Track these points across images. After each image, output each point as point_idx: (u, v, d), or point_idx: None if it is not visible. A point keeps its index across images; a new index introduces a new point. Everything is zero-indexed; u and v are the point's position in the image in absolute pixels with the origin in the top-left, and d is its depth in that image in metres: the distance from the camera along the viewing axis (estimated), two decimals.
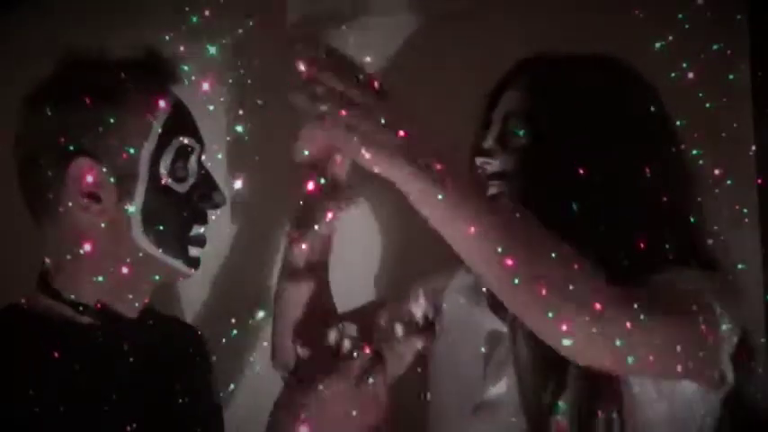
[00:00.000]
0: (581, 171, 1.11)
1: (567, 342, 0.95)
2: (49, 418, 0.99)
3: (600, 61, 1.22)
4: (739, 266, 1.47)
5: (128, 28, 1.48)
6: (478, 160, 1.22)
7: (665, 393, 1.09)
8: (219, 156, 1.32)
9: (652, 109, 1.20)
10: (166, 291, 1.20)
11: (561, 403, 1.10)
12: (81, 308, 1.09)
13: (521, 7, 1.56)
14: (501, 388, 1.17)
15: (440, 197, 0.90)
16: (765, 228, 1.56)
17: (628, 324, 0.96)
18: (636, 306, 0.97)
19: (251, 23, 1.50)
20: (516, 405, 1.15)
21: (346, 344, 0.97)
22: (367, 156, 0.89)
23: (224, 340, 1.23)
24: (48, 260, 1.12)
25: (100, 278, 1.10)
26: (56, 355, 1.03)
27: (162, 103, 1.10)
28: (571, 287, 0.94)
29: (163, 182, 1.10)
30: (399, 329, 1.02)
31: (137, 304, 1.15)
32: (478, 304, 1.25)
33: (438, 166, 0.91)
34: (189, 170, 1.12)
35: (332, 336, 0.98)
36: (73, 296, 1.10)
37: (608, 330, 0.95)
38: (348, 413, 0.96)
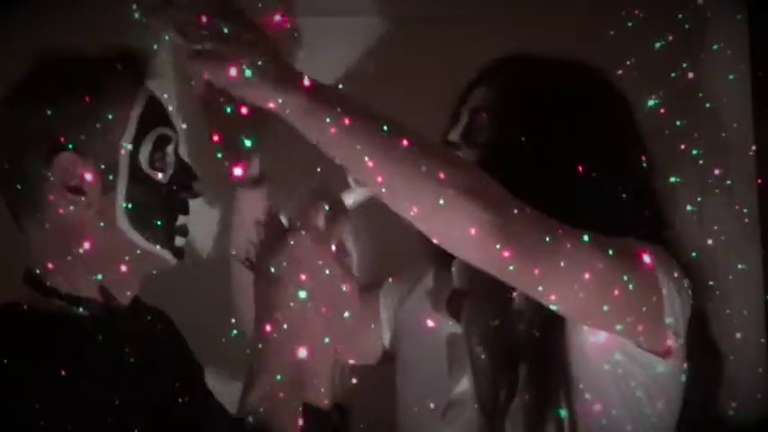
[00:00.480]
0: (542, 170, 1.12)
1: (554, 307, 1.03)
2: (50, 412, 0.99)
3: (571, 65, 1.23)
4: (739, 266, 1.47)
5: (127, 28, 1.48)
6: None
7: (620, 387, 1.10)
8: (219, 155, 1.32)
9: (617, 114, 1.21)
10: (159, 284, 1.20)
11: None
12: (77, 302, 1.10)
13: (520, 8, 1.56)
14: (464, 386, 1.18)
15: (327, 119, 0.96)
16: (765, 228, 1.56)
17: (615, 291, 1.02)
18: (624, 277, 1.03)
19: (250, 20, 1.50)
20: (475, 403, 1.17)
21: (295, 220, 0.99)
22: (231, 82, 0.96)
23: (223, 340, 1.23)
24: (36, 258, 1.12)
25: (93, 272, 1.11)
26: (55, 349, 1.03)
27: (138, 96, 1.12)
28: (562, 264, 0.99)
29: (144, 173, 1.11)
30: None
31: (128, 294, 1.16)
32: (438, 308, 1.27)
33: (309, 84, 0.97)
34: (167, 160, 1.14)
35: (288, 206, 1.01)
36: (66, 290, 1.10)
37: (595, 297, 1.02)
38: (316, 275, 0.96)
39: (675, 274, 1.11)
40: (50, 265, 1.10)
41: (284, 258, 0.97)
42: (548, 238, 1.00)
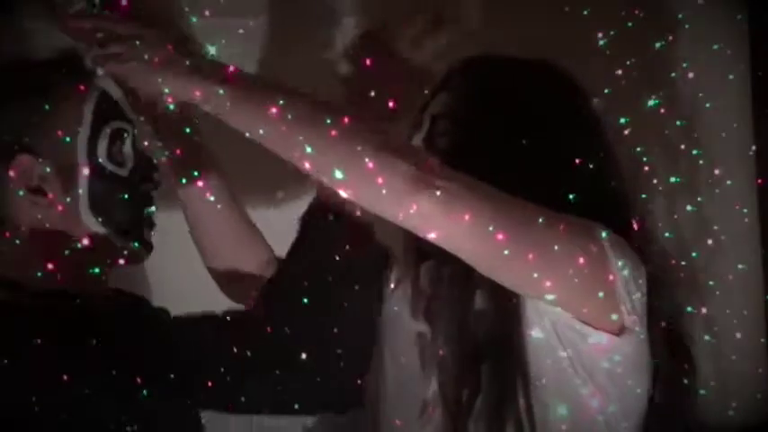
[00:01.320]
0: (503, 172, 1.12)
1: (550, 297, 1.03)
2: (28, 407, 1.00)
3: (530, 64, 1.22)
4: (739, 266, 1.47)
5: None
6: None
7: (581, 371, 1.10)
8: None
9: (581, 115, 1.20)
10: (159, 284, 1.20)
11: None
12: (49, 295, 1.10)
13: (518, 9, 1.56)
14: (434, 387, 1.19)
15: (220, 92, 1.00)
16: (765, 228, 1.56)
17: (611, 277, 1.03)
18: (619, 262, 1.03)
19: (251, 23, 1.50)
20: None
21: None
22: (135, 76, 1.05)
23: None
24: (5, 260, 1.11)
25: (61, 266, 1.10)
26: (25, 343, 1.03)
27: (85, 93, 1.13)
28: (556, 247, 1.00)
29: (102, 167, 1.12)
30: None
31: (101, 287, 1.16)
32: (414, 312, 1.27)
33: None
34: (125, 154, 1.15)
35: None
36: (36, 288, 1.10)
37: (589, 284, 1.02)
38: None
39: (628, 251, 1.09)
40: (19, 268, 1.10)
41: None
42: (541, 220, 1.00)
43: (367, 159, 0.98)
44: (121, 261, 1.16)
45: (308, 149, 1.00)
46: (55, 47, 1.15)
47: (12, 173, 1.09)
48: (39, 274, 1.10)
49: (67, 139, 1.10)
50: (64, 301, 1.10)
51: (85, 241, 1.11)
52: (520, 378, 1.11)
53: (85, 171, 1.11)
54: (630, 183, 1.20)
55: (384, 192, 0.99)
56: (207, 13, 1.46)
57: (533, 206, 1.03)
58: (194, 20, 1.46)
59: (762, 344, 1.52)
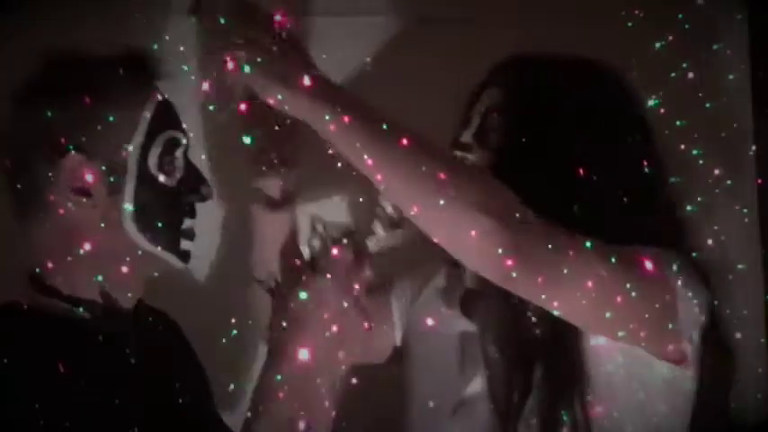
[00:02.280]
0: (555, 171, 1.12)
1: (557, 313, 1.04)
2: (49, 414, 0.99)
3: (581, 63, 1.22)
4: (739, 266, 1.47)
5: (127, 28, 1.48)
6: (456, 153, 1.23)
7: (633, 387, 1.10)
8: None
9: (629, 110, 1.20)
10: (159, 285, 1.20)
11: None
12: (78, 303, 1.10)
13: (518, 9, 1.56)
14: (476, 386, 1.18)
15: (327, 117, 0.99)
16: (765, 228, 1.56)
17: (618, 299, 1.02)
18: (627, 284, 1.03)
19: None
20: (488, 403, 1.16)
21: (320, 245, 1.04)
22: (256, 84, 1.02)
23: (224, 340, 1.23)
24: (38, 259, 1.12)
25: (96, 273, 1.10)
26: (55, 351, 1.03)
27: (149, 98, 1.11)
28: (565, 272, 1.00)
29: (152, 176, 1.11)
30: (378, 226, 1.08)
31: (131, 296, 1.15)
32: (450, 307, 1.26)
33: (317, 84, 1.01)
34: (176, 164, 1.14)
35: (312, 241, 1.05)
36: (68, 291, 1.10)
37: (597, 304, 1.02)
38: (331, 318, 1.01)
39: (687, 279, 1.09)
40: (53, 266, 1.10)
41: (306, 300, 1.01)
42: (551, 246, 1.00)
43: (443, 204, 0.98)
44: (154, 270, 1.16)
45: (370, 161, 0.99)
46: (120, 48, 1.14)
47: (58, 170, 1.08)
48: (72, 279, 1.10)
49: (121, 144, 1.09)
50: (93, 309, 1.10)
51: (123, 248, 1.11)
52: (576, 380, 1.10)
53: (133, 177, 1.10)
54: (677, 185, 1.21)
55: (448, 228, 1.00)
56: None
57: (551, 229, 1.02)
58: (194, 20, 1.45)
59: (762, 344, 1.52)
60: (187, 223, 1.15)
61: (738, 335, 1.41)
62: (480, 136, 1.22)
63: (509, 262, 0.97)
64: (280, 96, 1.01)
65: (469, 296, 1.24)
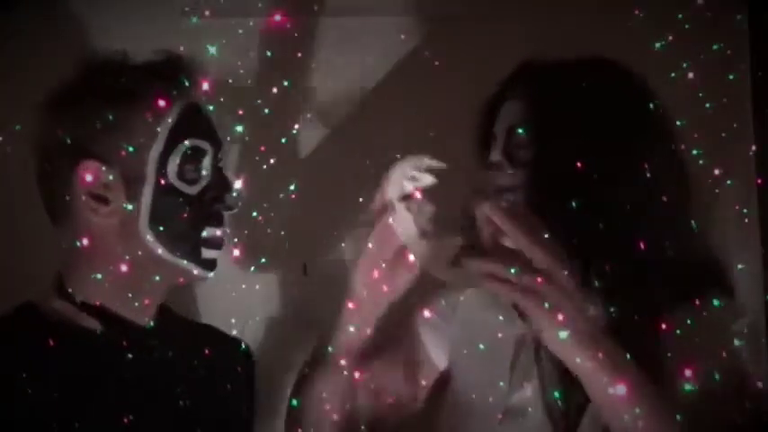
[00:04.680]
0: (594, 183, 1.09)
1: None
2: (49, 418, 0.99)
3: (595, 64, 1.21)
4: (739, 266, 1.47)
5: (128, 28, 1.48)
6: (491, 175, 1.21)
7: None
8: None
9: (651, 109, 1.19)
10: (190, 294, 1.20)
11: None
12: (91, 311, 1.09)
13: (518, 10, 1.56)
14: (526, 393, 1.16)
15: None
16: (765, 228, 1.56)
17: None
18: None
19: (251, 23, 1.50)
20: (542, 411, 1.14)
21: None
22: (568, 341, 0.94)
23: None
24: (63, 262, 1.13)
25: (110, 281, 1.10)
26: (58, 356, 1.03)
27: (168, 106, 1.11)
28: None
29: (171, 184, 1.10)
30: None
31: (147, 304, 1.15)
32: (498, 311, 1.24)
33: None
34: (200, 172, 1.12)
35: None
36: (83, 297, 1.10)
37: None
38: None
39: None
40: (72, 271, 1.10)
41: None
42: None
43: None
44: (180, 279, 1.15)
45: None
46: (144, 54, 1.14)
47: (76, 175, 1.08)
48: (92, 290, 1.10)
49: (138, 151, 1.09)
50: (108, 318, 1.10)
51: (140, 256, 1.10)
52: None
53: (151, 185, 1.09)
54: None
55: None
56: (207, 13, 1.46)
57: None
58: (194, 20, 1.46)
59: (762, 344, 1.52)
60: (212, 231, 1.14)
61: None
62: (509, 153, 1.20)
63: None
64: (578, 360, 0.96)
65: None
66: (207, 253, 1.14)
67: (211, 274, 1.16)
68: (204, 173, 1.13)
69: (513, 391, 1.17)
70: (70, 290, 1.10)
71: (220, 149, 1.16)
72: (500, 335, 1.22)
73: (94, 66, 1.13)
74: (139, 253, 1.10)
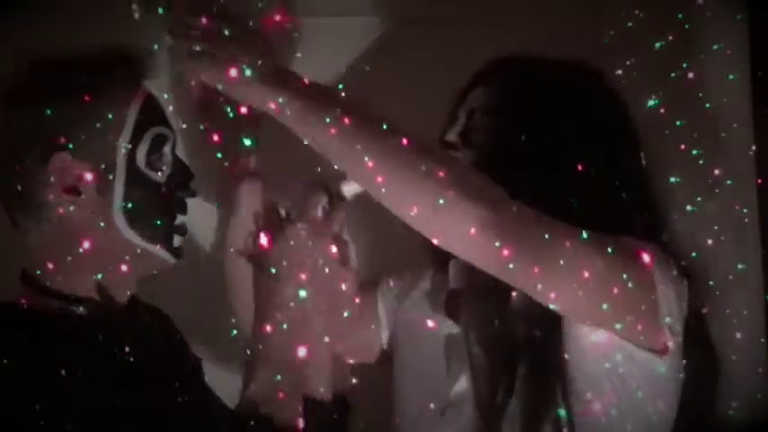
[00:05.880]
0: (540, 169, 1.12)
1: (554, 306, 1.04)
2: (48, 411, 0.99)
3: (568, 65, 1.23)
4: (739, 266, 1.47)
5: (127, 28, 1.48)
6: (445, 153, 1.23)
7: (619, 387, 1.10)
8: (219, 155, 1.33)
9: (615, 113, 1.21)
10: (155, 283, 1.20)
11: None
12: (73, 301, 1.10)
13: (519, 8, 1.56)
14: (462, 386, 1.18)
15: (327, 120, 0.98)
16: (765, 228, 1.56)
17: (615, 290, 1.03)
18: (624, 275, 1.03)
19: (251, 23, 1.50)
20: (472, 403, 1.17)
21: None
22: (230, 82, 1.00)
23: (223, 340, 1.23)
24: (34, 258, 1.12)
25: (90, 271, 1.11)
26: (53, 349, 1.03)
27: (131, 96, 1.12)
28: (562, 262, 1.00)
29: (141, 172, 1.12)
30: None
31: (126, 293, 1.16)
32: (436, 309, 1.27)
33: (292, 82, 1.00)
34: (165, 160, 1.14)
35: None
36: (64, 290, 1.10)
37: (594, 296, 1.03)
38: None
39: (673, 272, 1.11)
40: (49, 265, 1.11)
41: (283, 254, 0.97)
42: (547, 236, 1.01)
43: (439, 197, 0.98)
44: (151, 267, 1.17)
45: (371, 163, 0.99)
46: (103, 47, 1.14)
47: (49, 169, 1.09)
48: (68, 278, 1.10)
49: (108, 142, 1.10)
50: (89, 307, 1.11)
51: (116, 245, 1.11)
52: (559, 379, 1.10)
53: (123, 175, 1.10)
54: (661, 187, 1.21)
55: (447, 227, 0.99)
56: None
57: (547, 220, 1.03)
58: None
59: (762, 344, 1.52)
60: (179, 219, 1.16)
61: (738, 335, 1.42)
62: (465, 135, 1.23)
63: (506, 252, 0.98)
64: (281, 100, 1.00)
65: (453, 298, 1.24)
66: (177, 240, 1.16)
67: (177, 262, 1.18)
68: (167, 161, 1.14)
69: (451, 386, 1.19)
70: (48, 283, 1.10)
71: (176, 138, 1.18)
72: (435, 332, 1.25)
73: (52, 60, 1.13)
74: (115, 242, 1.11)
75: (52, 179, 1.09)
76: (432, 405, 1.21)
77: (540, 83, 1.21)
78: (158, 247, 1.14)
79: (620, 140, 1.20)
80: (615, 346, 1.09)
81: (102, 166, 1.10)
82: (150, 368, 1.11)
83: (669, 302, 1.09)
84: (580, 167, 1.12)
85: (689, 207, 1.38)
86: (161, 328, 1.26)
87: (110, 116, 1.10)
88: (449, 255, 1.06)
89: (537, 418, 1.10)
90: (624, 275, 1.03)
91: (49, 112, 1.08)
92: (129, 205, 1.11)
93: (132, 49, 1.15)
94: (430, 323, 1.26)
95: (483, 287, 1.14)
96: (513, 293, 1.13)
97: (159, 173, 1.14)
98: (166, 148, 1.15)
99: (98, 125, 1.10)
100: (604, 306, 1.03)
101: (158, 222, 1.13)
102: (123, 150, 1.11)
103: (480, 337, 1.17)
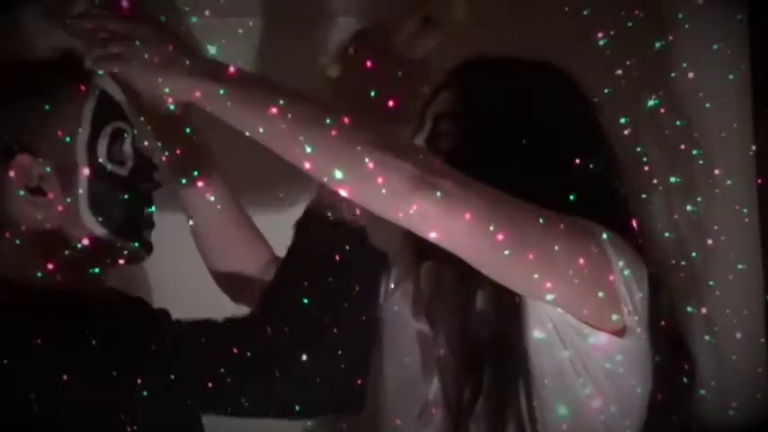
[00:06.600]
0: (506, 172, 1.11)
1: (550, 297, 1.03)
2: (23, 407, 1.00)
3: (535, 66, 1.22)
4: (739, 266, 1.47)
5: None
6: None
7: (579, 380, 1.10)
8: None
9: (582, 115, 1.20)
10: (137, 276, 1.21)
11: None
12: (46, 296, 1.09)
13: (517, 8, 1.56)
14: (435, 388, 1.19)
15: (220, 92, 1.01)
16: (765, 228, 1.56)
17: (611, 277, 1.02)
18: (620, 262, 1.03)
19: (251, 23, 1.50)
20: (441, 404, 1.16)
21: None
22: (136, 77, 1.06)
23: None
24: (6, 262, 1.11)
25: (61, 267, 1.10)
26: (27, 344, 1.03)
27: (85, 93, 1.13)
28: (557, 248, 0.99)
29: (103, 166, 1.12)
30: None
31: (100, 287, 1.16)
32: (414, 310, 1.27)
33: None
34: (125, 153, 1.15)
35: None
36: (37, 288, 1.10)
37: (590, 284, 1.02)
38: None
39: (619, 250, 1.09)
40: (20, 267, 1.10)
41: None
42: (541, 220, 1.00)
43: (367, 159, 0.98)
44: (121, 261, 1.16)
45: (308, 149, 1.00)
46: (55, 47, 1.15)
47: (11, 173, 1.09)
48: (39, 274, 1.10)
49: (67, 138, 1.11)
50: (63, 302, 1.10)
51: (85, 241, 1.11)
52: (522, 379, 1.10)
53: (85, 171, 1.11)
54: (630, 183, 1.20)
55: (384, 192, 0.99)
56: (207, 13, 1.46)
57: (533, 206, 1.03)
58: (194, 20, 1.46)
59: (762, 344, 1.52)
60: (146, 211, 1.17)
61: (738, 335, 1.42)
62: (432, 141, 1.22)
63: (500, 237, 0.98)
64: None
65: (421, 299, 1.24)
66: (146, 233, 1.17)
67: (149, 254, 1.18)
68: (128, 154, 1.15)
69: (427, 386, 1.19)
70: (19, 284, 1.10)
71: (135, 131, 1.18)
72: (410, 332, 1.24)
73: (2, 65, 1.15)
74: (85, 240, 1.11)
75: (15, 182, 1.08)
76: (409, 408, 1.21)
77: (499, 84, 1.19)
78: (128, 240, 1.14)
79: (581, 136, 1.19)
80: (568, 340, 1.08)
81: (64, 164, 1.10)
82: (120, 354, 1.10)
83: (626, 281, 1.07)
84: (545, 168, 1.12)
85: (689, 207, 1.38)
86: (134, 313, 1.21)
87: (65, 114, 1.11)
88: (431, 257, 1.06)
89: (500, 417, 1.10)
90: (620, 262, 1.04)
91: (2, 115, 1.09)
92: (95, 200, 1.11)
93: (77, 50, 1.15)
94: (408, 323, 1.26)
95: (448, 291, 1.15)
96: (478, 295, 1.13)
97: (122, 166, 1.14)
98: (126, 142, 1.15)
99: (54, 124, 1.10)
100: (600, 294, 1.03)
101: (126, 216, 1.14)
102: (83, 146, 1.11)
103: (447, 339, 1.17)
